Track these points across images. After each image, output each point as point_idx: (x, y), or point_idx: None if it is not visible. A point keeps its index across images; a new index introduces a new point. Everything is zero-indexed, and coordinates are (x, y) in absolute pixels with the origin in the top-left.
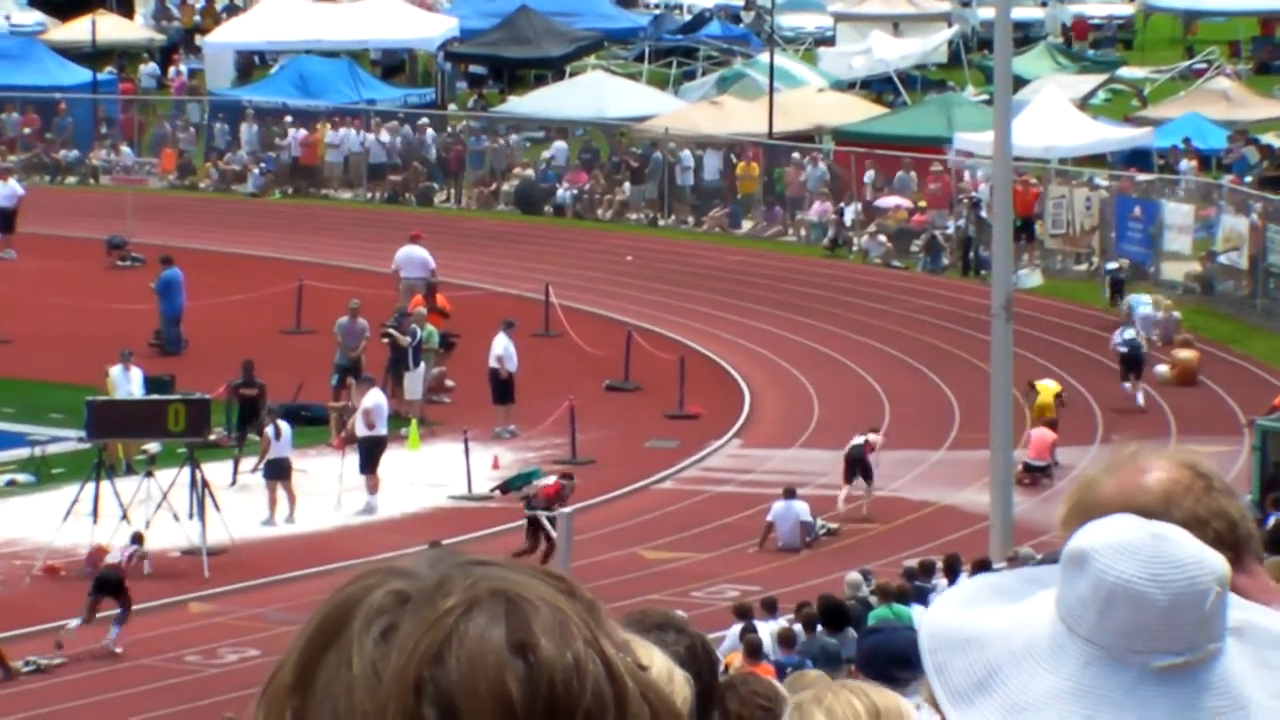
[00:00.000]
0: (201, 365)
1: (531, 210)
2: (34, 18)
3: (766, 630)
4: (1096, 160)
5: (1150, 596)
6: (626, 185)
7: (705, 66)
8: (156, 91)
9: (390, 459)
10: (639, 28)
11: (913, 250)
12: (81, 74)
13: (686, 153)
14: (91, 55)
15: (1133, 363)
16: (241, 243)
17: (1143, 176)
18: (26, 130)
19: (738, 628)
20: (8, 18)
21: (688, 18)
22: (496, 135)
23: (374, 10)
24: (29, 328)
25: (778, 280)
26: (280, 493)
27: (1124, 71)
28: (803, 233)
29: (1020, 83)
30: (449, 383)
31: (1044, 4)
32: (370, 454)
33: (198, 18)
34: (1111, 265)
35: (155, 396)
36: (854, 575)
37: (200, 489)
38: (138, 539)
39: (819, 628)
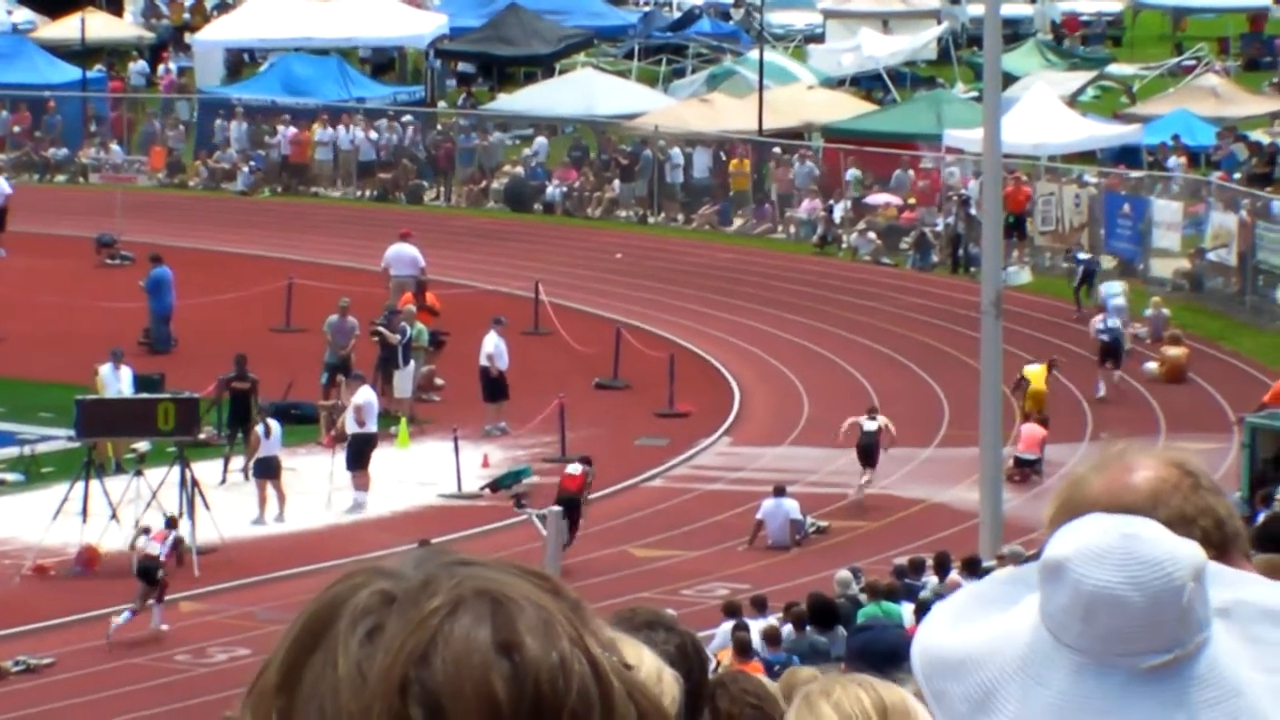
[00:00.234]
0: (191, 364)
1: (521, 208)
2: (24, 15)
3: (757, 628)
4: (1086, 157)
5: (1129, 599)
6: (616, 183)
7: (695, 64)
8: (146, 90)
9: (380, 457)
10: (628, 25)
11: (902, 247)
12: (71, 72)
13: (676, 150)
14: (81, 53)
15: (1112, 351)
16: (231, 241)
17: (1132, 173)
18: (16, 128)
19: (728, 626)
20: (10, 12)
21: (677, 15)
22: (486, 133)
23: (363, 8)
24: (18, 326)
25: (767, 278)
26: (270, 491)
27: (1113, 68)
28: (792, 230)
29: (1010, 79)
30: (438, 381)
31: (1033, 1)
32: (360, 451)
33: (187, 15)
34: (1082, 255)
35: (145, 395)
36: (844, 573)
37: (190, 488)
38: (172, 523)
39: (809, 626)
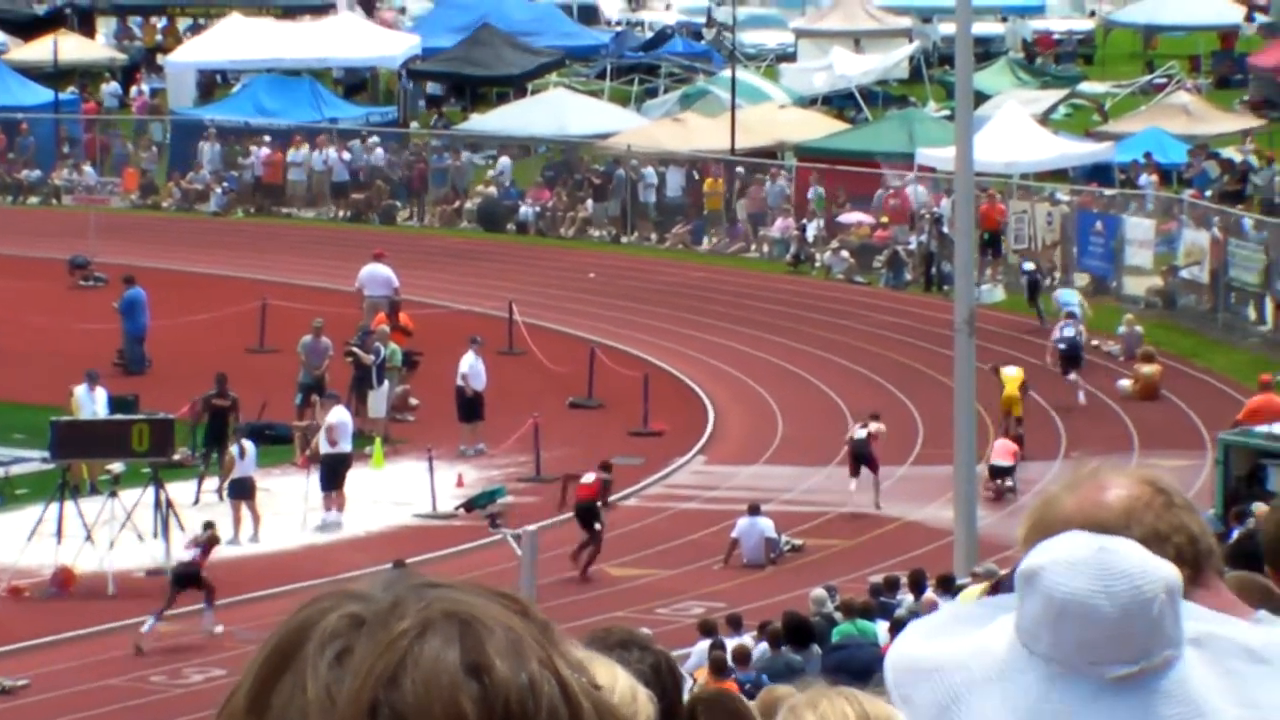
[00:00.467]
0: (165, 385)
1: (494, 228)
2: None
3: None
4: (1058, 175)
5: (1099, 608)
6: (589, 202)
7: (667, 84)
8: (119, 111)
9: (354, 477)
10: (601, 45)
11: (875, 266)
12: (43, 94)
13: (649, 169)
14: (53, 75)
15: (1071, 360)
16: (204, 262)
17: (1104, 191)
18: None
19: (704, 644)
20: None
21: (649, 35)
22: (458, 153)
23: (336, 29)
24: None
25: (741, 297)
26: (245, 512)
27: (1085, 86)
28: (765, 249)
29: (981, 98)
30: (413, 401)
31: (1004, 19)
32: (333, 471)
33: (159, 37)
34: (1028, 266)
35: (119, 417)
36: (819, 591)
37: (164, 509)
38: (209, 525)
39: (784, 645)
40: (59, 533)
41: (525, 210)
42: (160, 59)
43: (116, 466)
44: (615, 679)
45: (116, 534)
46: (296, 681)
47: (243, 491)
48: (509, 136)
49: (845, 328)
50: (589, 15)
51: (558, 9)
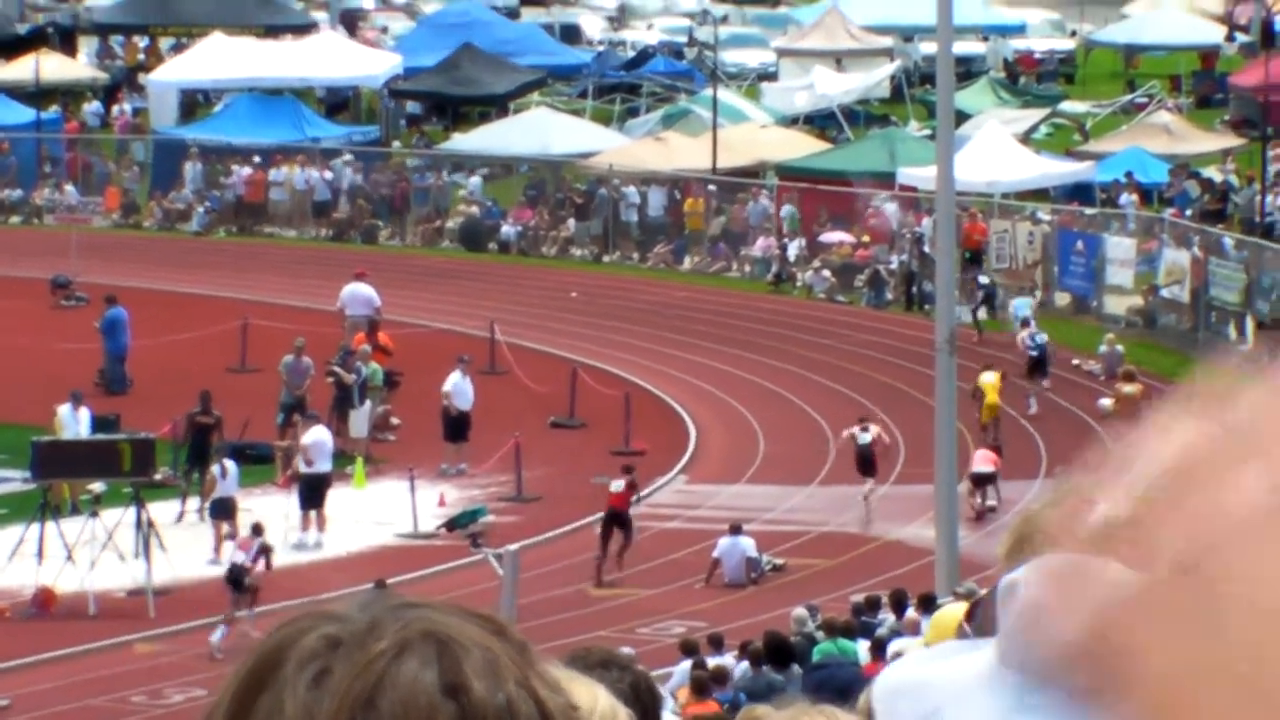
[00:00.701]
0: (147, 404)
1: (476, 247)
2: None
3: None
4: (1039, 194)
5: None
6: (571, 221)
7: (649, 103)
8: (100, 130)
9: (336, 497)
10: (582, 64)
11: (856, 285)
12: (25, 113)
13: (631, 189)
14: (35, 94)
15: (1040, 365)
16: (186, 281)
17: (1085, 211)
18: None
19: (686, 664)
20: None
21: (631, 54)
22: (441, 173)
23: (318, 49)
24: None
25: (722, 316)
26: (226, 532)
27: (1066, 106)
28: (747, 268)
29: (962, 117)
30: (394, 420)
31: (985, 39)
32: (313, 491)
33: (141, 56)
34: (983, 280)
35: (101, 436)
36: (800, 611)
37: (145, 529)
38: (258, 530)
39: (764, 664)
40: (40, 553)
41: (507, 229)
42: (142, 78)
43: (97, 486)
44: (596, 699)
45: (98, 554)
46: (274, 703)
47: (224, 511)
48: (491, 156)
49: (827, 347)
50: (571, 35)
51: (539, 28)
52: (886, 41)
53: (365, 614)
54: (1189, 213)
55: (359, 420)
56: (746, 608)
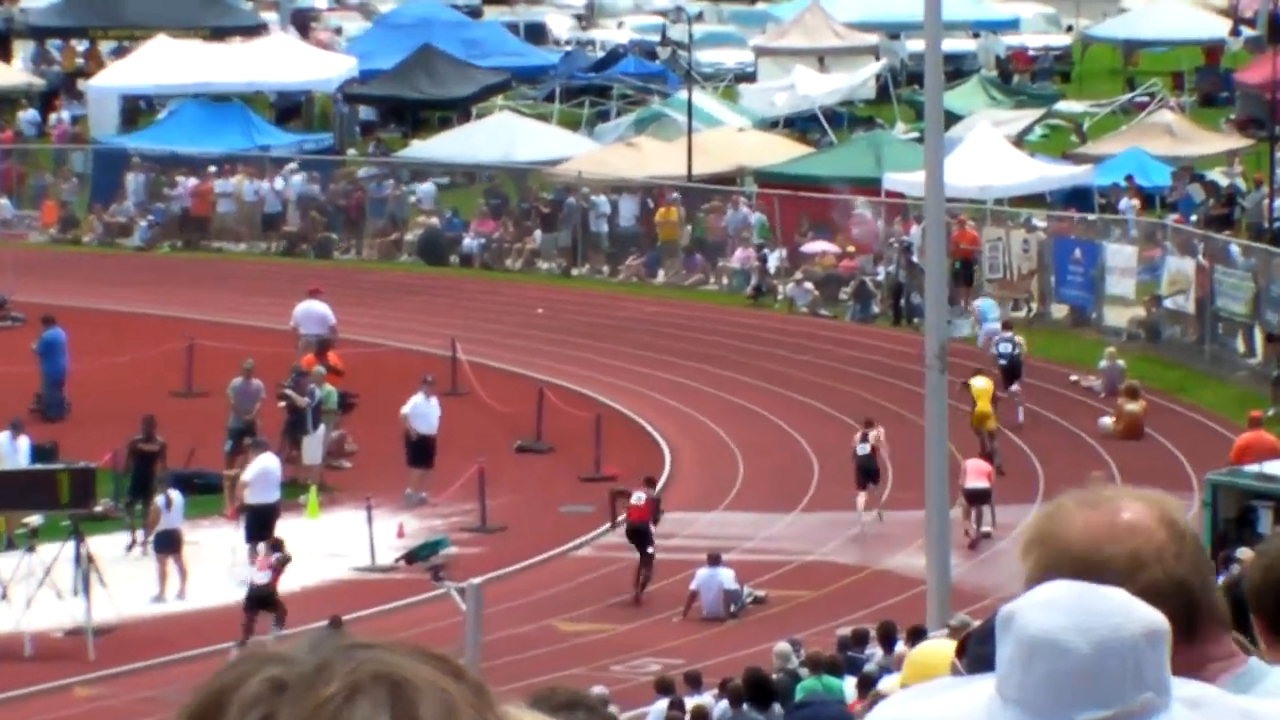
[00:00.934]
0: (86, 431)
1: (436, 260)
2: None
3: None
4: (1034, 200)
5: (1072, 646)
6: (537, 233)
7: (620, 106)
8: (37, 140)
9: (288, 528)
10: (549, 65)
11: (841, 298)
12: None
13: (601, 197)
14: None
15: (1011, 373)
16: (128, 300)
17: (1084, 216)
18: None
19: (662, 704)
20: None
21: (600, 54)
22: (399, 182)
23: (268, 51)
24: None
25: (699, 332)
26: (171, 567)
27: (1062, 106)
28: (725, 281)
29: (952, 119)
30: (349, 446)
31: (976, 35)
32: (260, 523)
33: (80, 61)
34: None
35: (39, 466)
36: (783, 645)
37: (85, 564)
38: (278, 546)
39: (745, 704)
40: None
41: (469, 242)
42: (81, 84)
43: (34, 519)
44: None
45: (34, 591)
46: None
47: (169, 545)
48: (452, 164)
49: (810, 364)
50: (536, 34)
51: (503, 28)
52: (871, 39)
53: (313, 655)
54: (1193, 218)
55: (312, 446)
56: (726, 643)
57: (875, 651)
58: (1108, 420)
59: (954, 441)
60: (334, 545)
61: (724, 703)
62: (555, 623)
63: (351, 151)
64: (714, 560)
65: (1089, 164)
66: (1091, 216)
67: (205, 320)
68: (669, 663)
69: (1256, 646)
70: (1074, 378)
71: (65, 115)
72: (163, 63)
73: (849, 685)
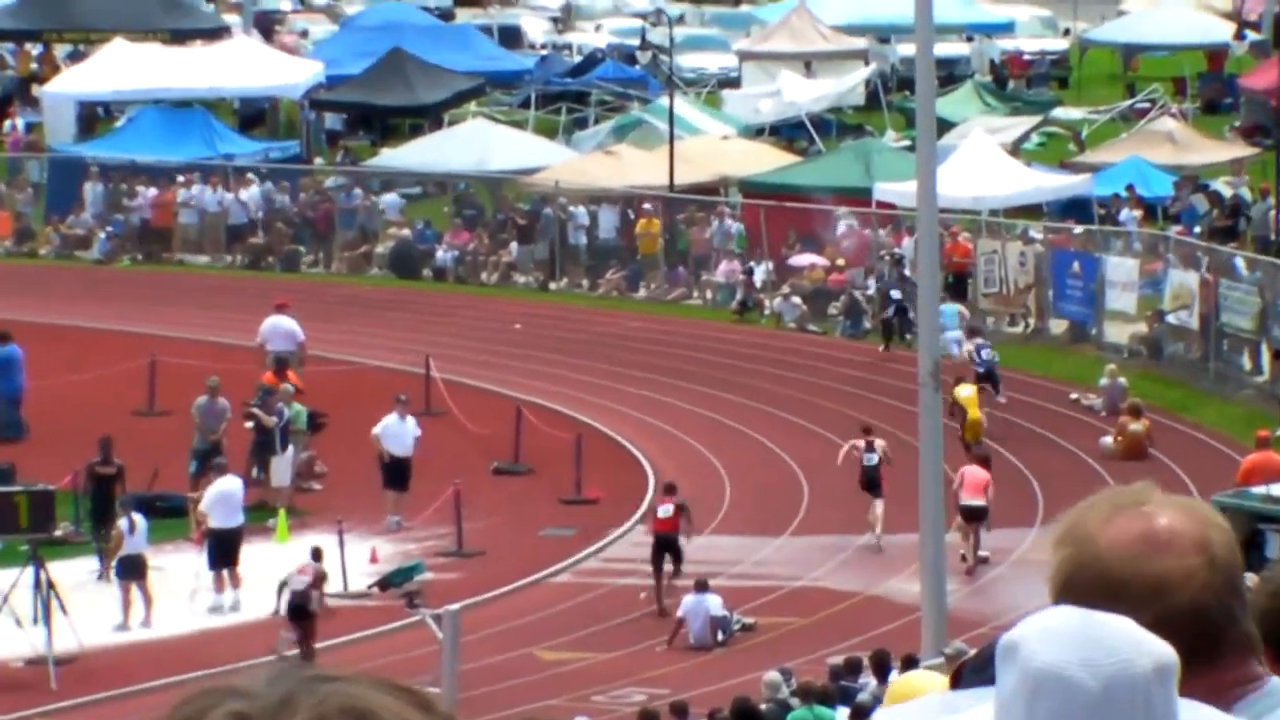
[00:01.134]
0: (45, 452)
1: (408, 274)
2: None
3: None
4: (1030, 211)
5: (1080, 683)
6: (513, 245)
7: (598, 113)
8: None
9: (256, 553)
10: (524, 70)
11: (831, 313)
12: None
13: (580, 208)
14: None
15: (990, 379)
16: (87, 315)
17: (1081, 228)
18: None
19: None
20: None
21: (578, 59)
22: (369, 192)
23: (231, 56)
24: None
25: (682, 348)
26: (135, 593)
27: (1059, 112)
28: (709, 295)
29: (945, 126)
30: (319, 467)
31: (970, 39)
32: (222, 548)
33: (35, 65)
34: (895, 294)
35: None
36: (773, 675)
37: (45, 590)
38: (318, 555)
39: None
40: None
41: (442, 255)
42: (36, 90)
43: None
44: None
45: None
46: None
47: (133, 571)
48: (423, 173)
49: (798, 381)
50: (511, 38)
51: (476, 31)
52: (860, 43)
53: (275, 689)
54: (1197, 230)
55: (281, 467)
56: (713, 671)
57: (869, 681)
58: (1109, 439)
59: (948, 462)
60: None
61: None
62: (535, 651)
63: (319, 160)
64: (701, 586)
65: (1088, 173)
66: (1090, 228)
67: (168, 336)
68: (654, 692)
69: None
70: (1074, 396)
71: (20, 122)
72: (121, 67)
73: (841, 716)
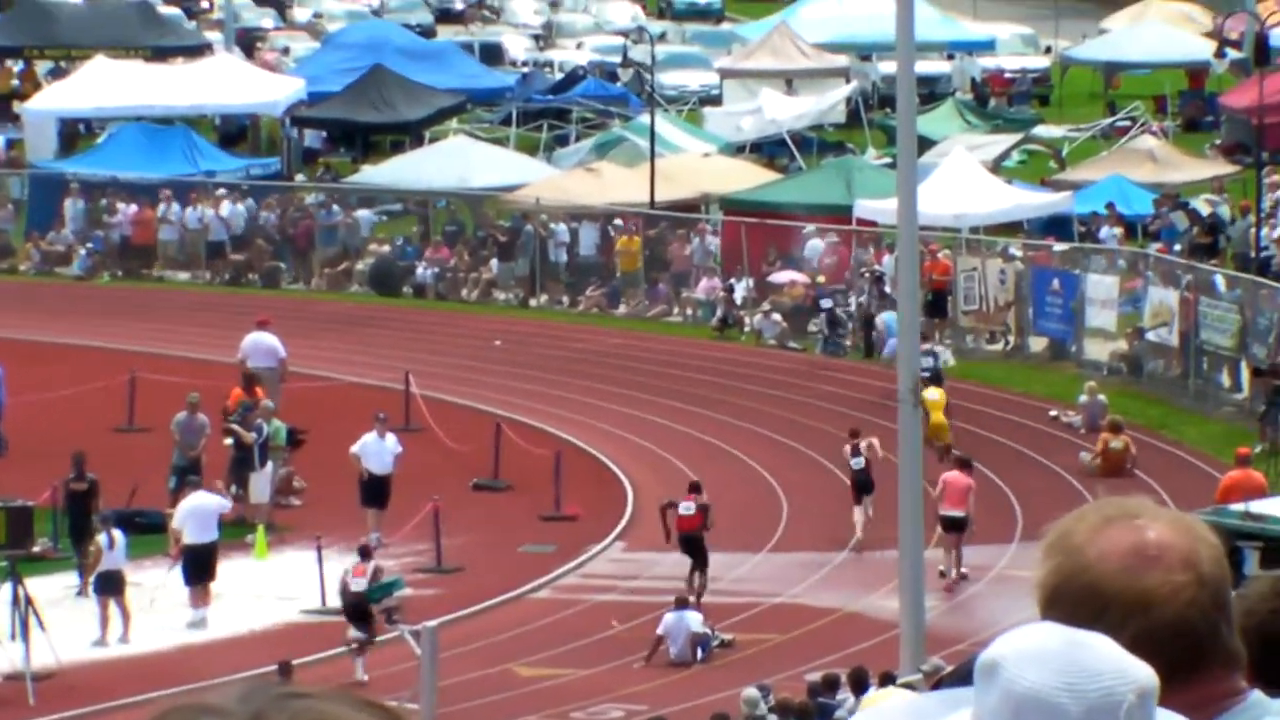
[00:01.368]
0: (24, 468)
1: (388, 291)
2: None
3: None
4: (1011, 228)
5: (1061, 707)
6: (493, 262)
7: (579, 130)
8: None
9: (235, 569)
10: (506, 88)
11: (811, 330)
12: None
13: (560, 225)
14: None
15: (935, 382)
16: (67, 331)
17: (1061, 246)
18: None
19: None
20: None
21: (559, 76)
22: (350, 209)
23: (212, 73)
24: None
25: (662, 365)
26: (113, 609)
27: (1040, 130)
28: (689, 312)
29: (926, 144)
30: (298, 483)
31: (951, 57)
32: (197, 564)
33: (16, 82)
34: (825, 303)
35: None
36: (751, 691)
37: (23, 606)
38: (366, 554)
39: None
40: None
41: (423, 271)
42: (17, 106)
43: None
44: None
45: None
46: None
47: (111, 586)
48: (404, 190)
49: (778, 398)
50: (493, 55)
51: (458, 48)
52: (842, 61)
53: (247, 705)
54: (1177, 248)
55: (260, 484)
56: (691, 689)
57: (847, 697)
58: (1088, 456)
59: (927, 478)
60: (282, 587)
61: None
62: (514, 667)
63: (300, 177)
64: (681, 603)
65: (1068, 191)
66: (1071, 246)
67: (148, 353)
68: (632, 709)
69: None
70: (1053, 413)
71: (0, 139)
72: (102, 84)
73: None
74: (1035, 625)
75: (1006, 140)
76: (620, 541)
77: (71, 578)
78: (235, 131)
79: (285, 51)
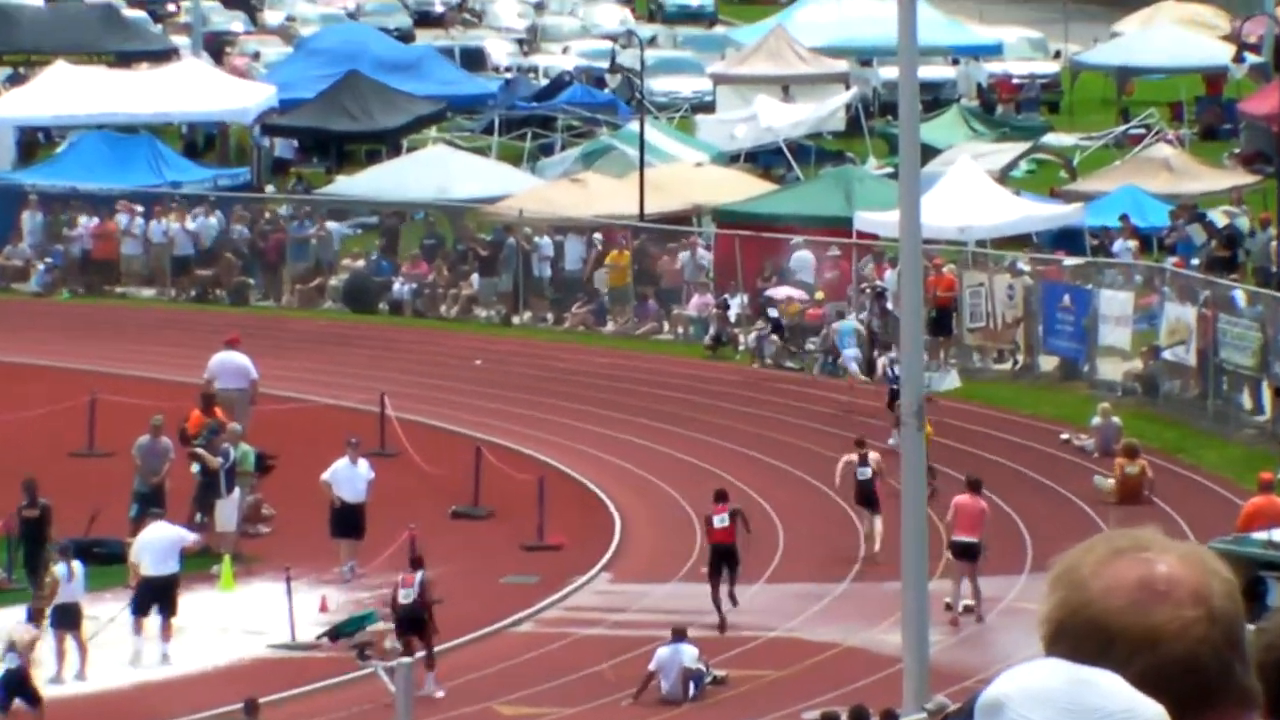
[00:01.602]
0: None
1: (363, 308)
2: None
3: None
4: (1019, 242)
5: None
6: (474, 277)
7: (565, 138)
8: None
9: (199, 602)
10: (488, 94)
11: (809, 349)
12: None
13: (545, 239)
14: None
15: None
16: (24, 350)
17: (1073, 260)
18: None
19: None
20: None
21: (544, 82)
22: (322, 221)
23: (178, 79)
24: None
25: (652, 385)
26: (70, 644)
27: (1049, 139)
28: (680, 330)
29: (930, 153)
30: (267, 510)
31: (956, 62)
32: (154, 596)
33: None
34: (773, 312)
35: None
36: None
37: None
38: (419, 564)
39: None
40: None
41: (399, 287)
42: None
43: None
44: None
45: None
46: None
47: (68, 620)
48: (381, 201)
49: (773, 421)
50: (474, 60)
51: (437, 53)
52: (841, 65)
53: None
54: (1194, 262)
55: (227, 511)
56: None
57: None
58: (1101, 479)
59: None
60: (250, 620)
61: None
62: (494, 705)
63: (270, 188)
64: (679, 635)
65: (1080, 202)
66: (1082, 260)
67: (109, 373)
68: None
69: None
70: (1065, 436)
71: None
72: (63, 91)
73: None
74: (1039, 662)
75: (1014, 149)
76: (607, 572)
77: (22, 611)
78: (203, 140)
79: (256, 56)
